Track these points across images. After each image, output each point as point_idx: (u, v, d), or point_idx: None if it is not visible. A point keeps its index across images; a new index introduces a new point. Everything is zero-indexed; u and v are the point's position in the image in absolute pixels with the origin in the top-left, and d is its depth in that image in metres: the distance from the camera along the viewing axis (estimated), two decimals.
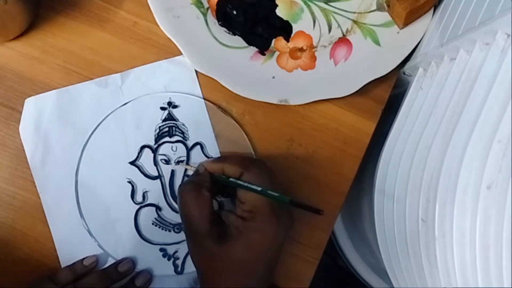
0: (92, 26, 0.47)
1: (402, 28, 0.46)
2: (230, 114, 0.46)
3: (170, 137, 0.46)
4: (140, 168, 0.45)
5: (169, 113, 0.46)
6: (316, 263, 0.46)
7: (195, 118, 0.46)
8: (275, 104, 0.46)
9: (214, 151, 0.46)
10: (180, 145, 0.46)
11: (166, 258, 0.45)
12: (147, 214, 0.45)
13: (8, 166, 0.45)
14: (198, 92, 0.46)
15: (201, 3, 0.47)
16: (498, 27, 0.31)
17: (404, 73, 0.48)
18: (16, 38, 0.46)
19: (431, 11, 0.46)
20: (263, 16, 0.48)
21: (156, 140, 0.45)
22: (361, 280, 0.74)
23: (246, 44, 0.47)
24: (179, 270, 0.45)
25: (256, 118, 0.47)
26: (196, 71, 0.46)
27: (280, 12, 0.48)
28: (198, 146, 0.46)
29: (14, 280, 0.44)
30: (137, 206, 0.45)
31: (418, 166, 0.38)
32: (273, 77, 0.47)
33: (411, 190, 0.38)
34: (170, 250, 0.45)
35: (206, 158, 0.46)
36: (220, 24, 0.47)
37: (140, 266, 0.44)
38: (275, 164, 0.47)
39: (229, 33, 0.47)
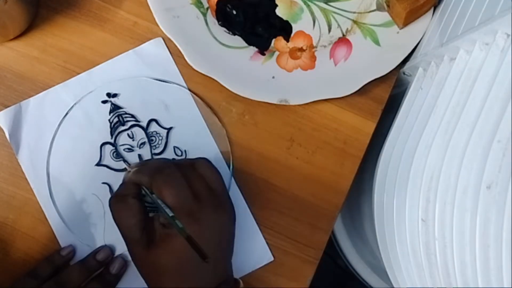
0: (92, 26, 0.47)
1: (402, 28, 0.46)
2: (174, 82, 0.46)
3: (123, 125, 0.46)
4: (108, 166, 0.45)
5: (112, 104, 0.46)
6: (316, 263, 0.46)
7: (141, 98, 0.46)
8: (275, 104, 0.46)
9: (168, 122, 0.46)
10: (136, 128, 0.46)
11: None
12: None
13: (8, 166, 0.45)
14: (139, 72, 0.46)
15: (201, 3, 0.47)
16: (498, 27, 0.31)
17: (404, 73, 0.48)
18: (16, 38, 0.46)
19: (431, 11, 0.46)
20: (263, 16, 0.48)
21: (112, 133, 0.46)
22: (361, 280, 0.75)
23: (246, 44, 0.47)
24: None
25: (256, 118, 0.47)
26: (137, 53, 0.46)
27: (280, 12, 0.48)
28: (153, 122, 0.46)
29: (14, 280, 0.44)
30: None
31: (418, 166, 0.38)
32: (273, 77, 0.47)
33: (411, 190, 0.38)
34: None
35: (163, 131, 0.46)
36: (220, 24, 0.47)
37: None
38: (275, 164, 0.47)
39: (229, 33, 0.47)
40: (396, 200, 0.41)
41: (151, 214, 0.40)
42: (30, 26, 0.46)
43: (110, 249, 0.44)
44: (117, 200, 0.39)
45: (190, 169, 0.39)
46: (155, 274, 0.38)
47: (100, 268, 0.44)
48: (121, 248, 0.45)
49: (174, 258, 0.37)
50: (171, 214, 0.36)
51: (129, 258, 0.44)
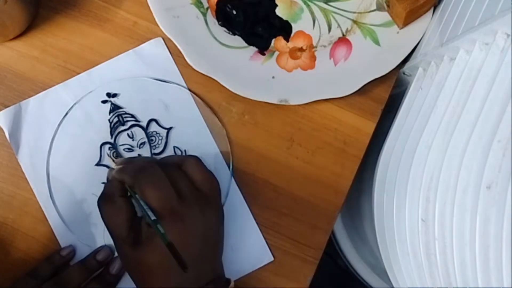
0: (92, 26, 0.47)
1: (402, 28, 0.46)
2: (173, 82, 0.46)
3: (123, 125, 0.46)
4: (108, 166, 0.45)
5: (112, 104, 0.46)
6: (316, 263, 0.46)
7: (141, 98, 0.46)
8: (275, 104, 0.46)
9: (168, 122, 0.46)
10: (136, 128, 0.46)
11: None
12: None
13: (8, 166, 0.45)
14: (139, 72, 0.46)
15: (201, 3, 0.47)
16: (498, 27, 0.31)
17: (404, 73, 0.48)
18: (16, 38, 0.46)
19: (431, 11, 0.46)
20: (263, 16, 0.48)
21: (112, 133, 0.46)
22: (361, 280, 0.75)
23: (246, 44, 0.47)
24: None
25: (256, 118, 0.47)
26: (137, 53, 0.46)
27: (280, 12, 0.48)
28: (153, 122, 0.46)
29: (14, 280, 0.44)
30: None
31: (418, 166, 0.38)
32: (273, 77, 0.47)
33: (411, 190, 0.38)
34: None
35: (163, 131, 0.46)
36: (220, 24, 0.47)
37: None
38: (275, 164, 0.47)
39: (229, 33, 0.47)
40: (396, 200, 0.41)
41: (139, 214, 0.40)
42: (30, 26, 0.46)
43: (110, 249, 0.44)
44: (104, 200, 0.39)
45: (176, 168, 0.39)
46: (141, 273, 0.38)
47: (100, 268, 0.44)
48: None
49: (158, 257, 0.37)
50: (153, 217, 0.36)
51: None
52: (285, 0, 0.48)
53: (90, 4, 0.47)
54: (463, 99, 0.34)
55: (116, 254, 0.44)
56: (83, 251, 0.44)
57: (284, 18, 0.48)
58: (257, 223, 0.46)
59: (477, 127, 0.31)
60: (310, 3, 0.48)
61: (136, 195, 0.38)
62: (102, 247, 0.44)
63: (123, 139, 0.46)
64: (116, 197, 0.38)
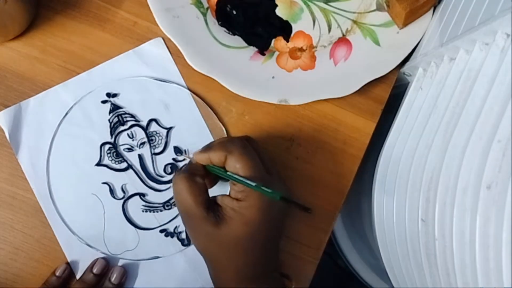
0: (92, 26, 0.47)
1: (402, 28, 0.46)
2: (173, 82, 0.46)
3: (123, 125, 0.46)
4: (108, 166, 0.45)
5: (112, 104, 0.46)
6: (316, 263, 0.46)
7: (141, 98, 0.46)
8: (275, 104, 0.46)
9: (168, 122, 0.46)
10: (136, 128, 0.46)
11: (169, 237, 0.45)
12: (134, 205, 0.45)
13: (8, 166, 0.45)
14: (139, 72, 0.46)
15: (201, 3, 0.47)
16: (498, 27, 0.31)
17: (404, 73, 0.48)
18: (16, 38, 0.46)
19: (431, 11, 0.46)
20: (263, 16, 0.48)
21: (112, 133, 0.46)
22: (361, 280, 0.75)
23: (246, 44, 0.47)
24: (186, 243, 0.45)
25: (256, 118, 0.47)
26: (136, 53, 0.47)
27: (280, 12, 0.48)
28: (153, 122, 0.46)
29: (14, 280, 0.44)
30: (121, 201, 0.45)
31: (418, 166, 0.38)
32: (273, 77, 0.47)
33: (411, 190, 0.38)
34: (170, 227, 0.45)
35: (163, 130, 0.46)
36: (220, 24, 0.47)
37: (148, 255, 0.45)
38: (275, 165, 0.47)
39: (229, 33, 0.47)
40: (396, 200, 0.41)
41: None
42: (30, 26, 0.46)
43: (104, 260, 0.44)
44: (186, 179, 0.38)
45: (252, 143, 0.41)
46: (222, 248, 0.38)
47: (100, 281, 0.44)
48: (121, 247, 0.45)
49: (244, 229, 0.37)
50: (254, 184, 0.37)
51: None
52: (285, 0, 0.48)
53: (90, 4, 0.47)
54: (463, 99, 0.34)
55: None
56: (83, 251, 0.44)
57: (284, 18, 0.48)
58: None
59: (477, 127, 0.30)
60: (310, 3, 0.48)
61: (228, 172, 0.38)
62: (96, 259, 0.44)
63: (123, 139, 0.46)
64: (197, 178, 0.39)
